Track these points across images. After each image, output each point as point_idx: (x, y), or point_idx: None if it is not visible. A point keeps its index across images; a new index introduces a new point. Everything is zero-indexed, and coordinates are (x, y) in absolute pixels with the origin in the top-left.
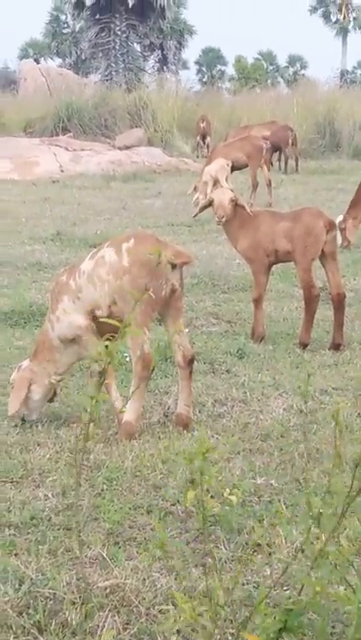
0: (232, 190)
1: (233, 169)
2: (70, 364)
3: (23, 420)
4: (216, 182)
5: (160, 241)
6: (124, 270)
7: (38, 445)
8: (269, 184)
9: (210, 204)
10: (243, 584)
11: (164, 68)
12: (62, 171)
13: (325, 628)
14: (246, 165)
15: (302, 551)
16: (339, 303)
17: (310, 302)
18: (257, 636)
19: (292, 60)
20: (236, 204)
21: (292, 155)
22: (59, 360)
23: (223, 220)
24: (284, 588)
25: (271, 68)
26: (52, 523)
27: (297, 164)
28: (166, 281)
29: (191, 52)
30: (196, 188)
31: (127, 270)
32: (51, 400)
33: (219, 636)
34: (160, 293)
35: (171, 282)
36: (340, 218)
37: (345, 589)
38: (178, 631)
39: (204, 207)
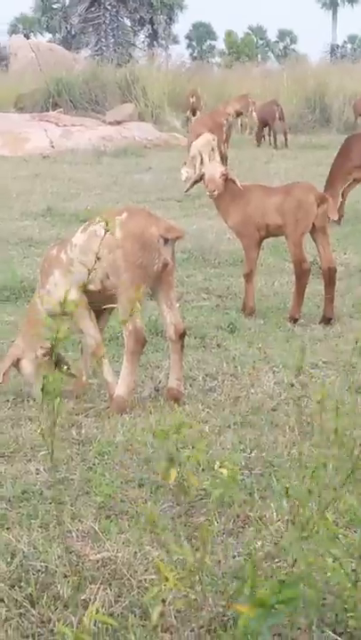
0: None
1: None
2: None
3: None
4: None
5: (152, 215)
6: (117, 244)
7: (29, 420)
8: (225, 158)
9: (201, 178)
10: (233, 556)
11: (155, 42)
12: (53, 146)
13: (317, 600)
14: None
15: (293, 523)
16: (329, 277)
17: (301, 276)
18: (248, 607)
19: (282, 35)
20: (226, 179)
21: (280, 129)
22: (46, 335)
23: (215, 193)
24: (276, 560)
25: (261, 42)
26: (44, 497)
27: (286, 139)
28: (158, 255)
29: (181, 26)
30: (186, 164)
31: (120, 244)
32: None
33: (209, 608)
34: (152, 268)
35: (163, 256)
36: None
37: (333, 562)
38: (163, 601)
39: (195, 182)
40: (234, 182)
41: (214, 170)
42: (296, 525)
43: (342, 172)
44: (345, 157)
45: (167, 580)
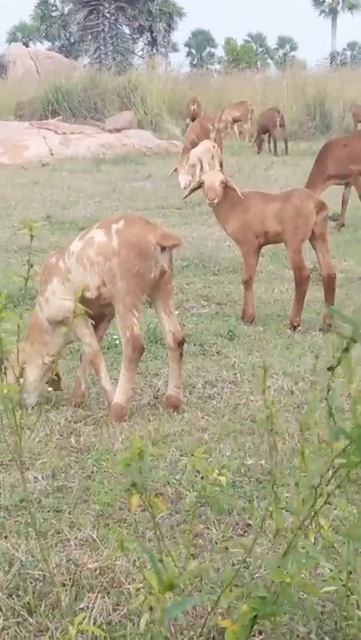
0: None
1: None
2: (61, 345)
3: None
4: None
5: (149, 223)
6: (114, 252)
7: (28, 429)
8: (220, 165)
9: (200, 185)
10: (233, 564)
11: (154, 50)
12: (52, 154)
13: (313, 607)
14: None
15: (281, 535)
16: (329, 284)
17: (301, 283)
18: (232, 620)
19: (282, 42)
20: (226, 186)
21: (280, 136)
22: (49, 341)
23: (215, 202)
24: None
25: (261, 49)
26: (42, 505)
27: (286, 146)
28: (155, 263)
29: (181, 34)
30: (176, 170)
31: (116, 252)
32: (56, 388)
33: (210, 617)
34: (149, 275)
35: (160, 264)
36: None
37: (331, 571)
38: (151, 608)
39: (195, 189)
40: (233, 190)
41: (214, 178)
42: (279, 538)
43: (321, 179)
44: (322, 164)
45: (154, 588)
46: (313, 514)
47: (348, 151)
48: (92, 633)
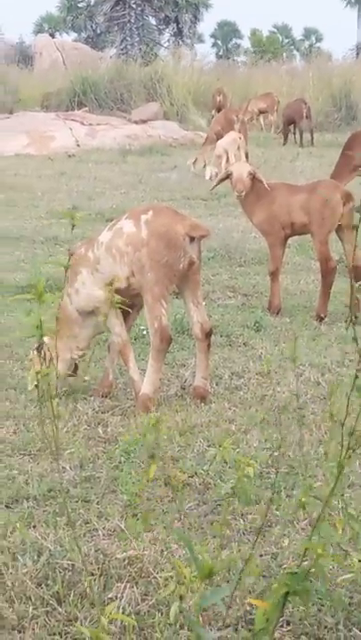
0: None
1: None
2: (90, 337)
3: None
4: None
5: (178, 213)
6: (143, 243)
7: (56, 418)
8: (245, 156)
9: (227, 177)
10: (261, 555)
11: (180, 41)
12: (78, 145)
13: (341, 598)
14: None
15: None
16: (356, 276)
17: (327, 275)
18: (263, 600)
19: (308, 33)
20: (253, 178)
21: (307, 128)
22: (79, 334)
23: (243, 194)
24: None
25: (287, 41)
26: (70, 495)
27: (312, 137)
28: (184, 254)
29: (206, 25)
30: (197, 160)
31: (145, 243)
32: (72, 375)
33: (237, 607)
34: (178, 266)
35: (189, 255)
36: None
37: (359, 561)
38: (181, 597)
39: (222, 180)
40: (260, 181)
41: (242, 169)
42: (318, 524)
43: (347, 170)
44: (348, 155)
45: (185, 577)
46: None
47: None
48: (121, 622)
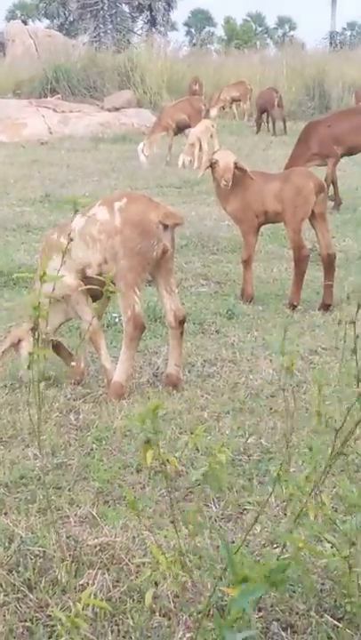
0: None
1: (178, 129)
2: (59, 323)
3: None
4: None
5: (152, 201)
6: (116, 230)
7: (28, 405)
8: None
9: (211, 165)
10: (232, 542)
11: (153, 29)
12: (51, 132)
13: (315, 586)
14: (189, 126)
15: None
16: (329, 264)
17: (300, 263)
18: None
19: (281, 22)
20: (235, 167)
21: (278, 116)
22: (47, 318)
23: (229, 184)
24: (274, 545)
25: (260, 29)
26: (42, 482)
27: (285, 126)
28: (158, 242)
29: (180, 13)
30: (144, 146)
31: (119, 230)
32: (68, 363)
33: (207, 593)
34: (151, 254)
35: (162, 242)
36: None
37: (331, 547)
38: (156, 584)
39: (208, 167)
40: (243, 171)
41: (229, 158)
42: (291, 511)
43: (302, 160)
44: (305, 144)
45: (159, 563)
46: (317, 491)
47: (332, 132)
48: (94, 608)
